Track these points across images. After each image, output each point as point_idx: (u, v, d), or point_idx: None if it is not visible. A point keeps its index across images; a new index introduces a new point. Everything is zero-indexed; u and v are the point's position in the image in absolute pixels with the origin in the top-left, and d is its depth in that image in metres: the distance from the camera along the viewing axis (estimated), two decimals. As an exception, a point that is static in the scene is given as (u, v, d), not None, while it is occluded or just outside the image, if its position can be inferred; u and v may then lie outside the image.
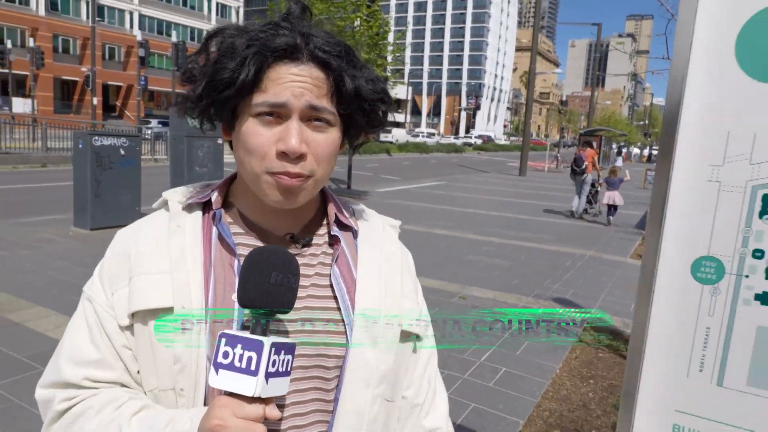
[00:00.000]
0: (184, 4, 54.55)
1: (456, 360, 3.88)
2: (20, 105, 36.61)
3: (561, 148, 43.02)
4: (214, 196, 0.84)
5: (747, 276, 0.96)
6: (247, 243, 0.83)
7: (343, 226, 0.89)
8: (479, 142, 68.31)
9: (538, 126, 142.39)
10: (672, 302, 1.01)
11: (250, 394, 0.64)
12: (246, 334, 0.66)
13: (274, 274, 0.69)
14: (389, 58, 15.57)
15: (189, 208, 0.84)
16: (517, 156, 29.78)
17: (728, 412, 0.99)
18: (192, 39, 52.97)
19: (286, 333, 0.78)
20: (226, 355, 0.65)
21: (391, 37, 16.03)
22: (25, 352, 3.75)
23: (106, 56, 47.45)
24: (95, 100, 30.47)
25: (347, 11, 12.43)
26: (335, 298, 0.83)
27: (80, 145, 7.90)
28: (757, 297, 0.95)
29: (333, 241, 0.87)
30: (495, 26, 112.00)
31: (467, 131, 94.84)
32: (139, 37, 24.05)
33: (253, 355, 0.64)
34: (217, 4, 57.41)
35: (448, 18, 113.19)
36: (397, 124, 72.03)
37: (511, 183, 21.06)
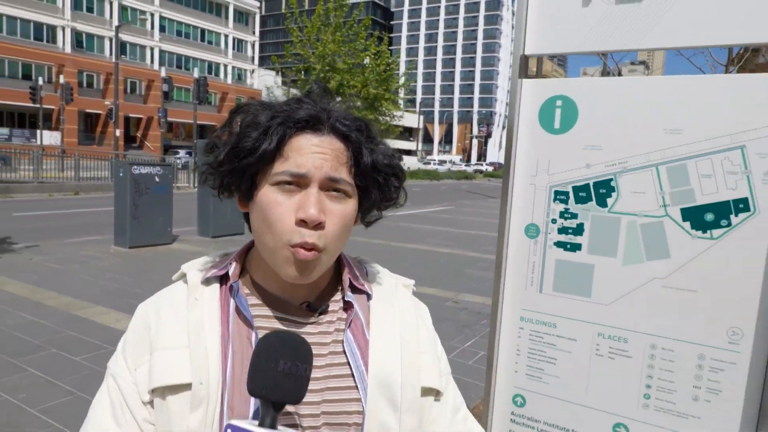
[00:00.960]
0: (202, 39, 56.98)
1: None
2: (47, 137, 38.48)
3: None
4: (232, 269, 0.84)
5: (549, 233, 1.83)
6: (264, 314, 0.83)
7: (357, 290, 0.89)
8: (490, 168, 69.38)
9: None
10: (515, 248, 1.89)
11: None
12: (253, 426, 0.65)
13: (282, 362, 0.67)
14: (401, 92, 16.64)
15: (207, 281, 0.84)
16: None
17: (546, 306, 1.85)
18: (209, 72, 55.22)
19: (297, 426, 0.77)
20: None
21: (402, 67, 17.20)
22: (97, 337, 4.69)
23: (128, 90, 49.59)
24: (118, 132, 32.12)
25: (357, 50, 13.55)
26: (349, 364, 0.82)
27: (120, 173, 8.96)
28: (555, 244, 1.83)
29: (347, 306, 0.86)
30: (505, 55, 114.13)
31: (479, 159, 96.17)
32: (163, 73, 25.58)
33: None
34: (234, 39, 59.83)
35: (458, 48, 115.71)
36: (408, 152, 73.36)
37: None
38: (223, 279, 0.85)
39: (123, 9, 49.39)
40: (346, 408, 0.79)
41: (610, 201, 1.74)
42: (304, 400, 0.70)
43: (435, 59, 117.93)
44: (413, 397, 0.83)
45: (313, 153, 0.76)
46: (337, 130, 0.79)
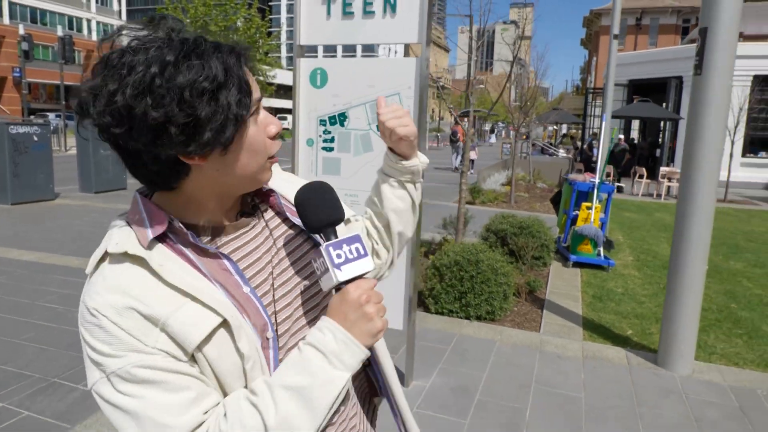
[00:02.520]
0: (60, -9, 52.00)
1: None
2: None
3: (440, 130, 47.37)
4: (166, 226, 0.81)
5: (319, 143, 3.36)
6: (219, 243, 0.87)
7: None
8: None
9: (432, 109, 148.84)
10: (302, 153, 3.40)
11: (371, 268, 0.85)
12: (338, 239, 0.86)
13: (327, 195, 0.91)
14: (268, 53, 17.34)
15: (149, 246, 0.80)
16: None
17: (320, 184, 3.40)
18: (71, 28, 50.84)
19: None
20: (339, 256, 0.83)
21: (284, 35, 17.99)
22: (7, 266, 5.63)
23: (-27, 47, 44.48)
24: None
25: (228, 13, 14.27)
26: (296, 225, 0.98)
27: (-3, 134, 9.31)
28: (321, 148, 3.35)
29: (270, 194, 0.97)
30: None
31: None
32: (21, 31, 23.88)
33: (358, 245, 0.85)
34: (96, -9, 55.22)
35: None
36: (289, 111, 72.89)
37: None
38: (159, 239, 0.81)
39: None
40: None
41: (346, 123, 3.29)
42: (281, 292, 0.89)
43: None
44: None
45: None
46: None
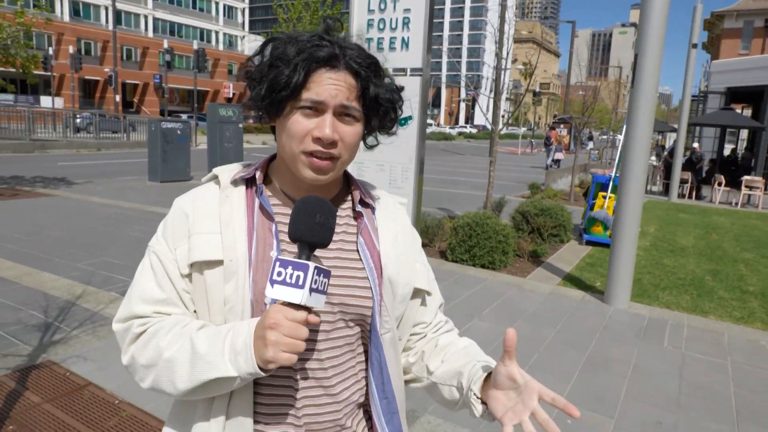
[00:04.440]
0: (194, 7, 58.91)
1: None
2: (49, 102, 41.04)
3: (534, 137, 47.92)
4: (258, 174, 1.02)
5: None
6: (283, 212, 1.01)
7: (365, 204, 1.08)
8: (474, 131, 72.43)
9: (539, 116, 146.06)
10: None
11: (297, 302, 0.82)
12: (295, 259, 0.84)
13: (318, 215, 0.88)
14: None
15: (235, 183, 1.02)
16: (504, 143, 34.08)
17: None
18: (202, 39, 57.40)
19: (318, 314, 0.91)
20: (279, 274, 0.83)
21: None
22: (156, 219, 8.11)
23: (124, 57, 51.89)
24: (117, 97, 34.82)
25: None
26: (360, 260, 1.02)
27: (153, 128, 12.22)
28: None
29: (356, 215, 1.06)
30: (493, 18, 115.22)
31: (466, 122, 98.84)
32: (165, 45, 28.35)
33: (301, 274, 0.83)
34: (225, 6, 61.69)
35: (447, 12, 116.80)
36: (395, 116, 75.42)
37: (474, 163, 25.27)
38: (248, 182, 1.03)
39: (116, -23, 51.20)
40: (360, 294, 1.00)
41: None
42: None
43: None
44: (406, 292, 1.06)
45: (330, 85, 0.92)
46: (350, 68, 0.94)
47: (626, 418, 3.24)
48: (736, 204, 15.02)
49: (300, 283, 0.82)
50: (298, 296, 0.82)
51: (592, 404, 3.38)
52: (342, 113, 0.94)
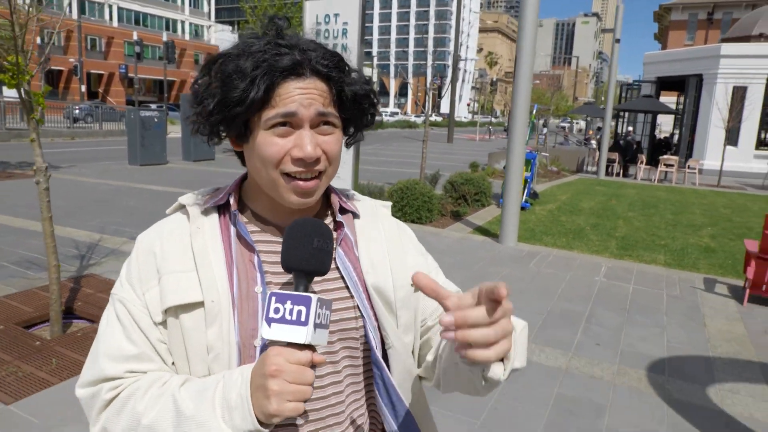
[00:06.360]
0: (159, -4, 59.02)
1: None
2: (11, 92, 41.01)
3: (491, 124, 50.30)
4: (231, 200, 0.90)
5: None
6: (263, 239, 0.89)
7: (344, 210, 0.97)
8: (439, 119, 74.43)
9: (504, 104, 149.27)
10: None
11: (302, 341, 0.70)
12: (293, 292, 0.73)
13: (316, 240, 0.77)
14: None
15: (206, 211, 0.90)
16: (466, 131, 35.85)
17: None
18: (167, 29, 57.57)
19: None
20: (276, 311, 0.71)
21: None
22: (137, 195, 9.57)
23: (89, 47, 51.84)
24: (83, 88, 35.17)
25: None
26: (342, 278, 0.90)
27: (132, 116, 13.54)
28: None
29: (337, 226, 0.94)
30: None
31: (433, 110, 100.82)
32: (135, 36, 29.16)
33: (303, 308, 0.71)
34: (190, -5, 61.85)
35: (413, 2, 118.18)
36: (362, 105, 76.71)
37: (431, 148, 27.04)
38: (220, 209, 0.90)
39: (79, -33, 51.02)
40: (347, 316, 0.88)
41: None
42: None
43: (390, 13, 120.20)
44: (404, 295, 0.93)
45: (300, 95, 0.80)
46: (318, 72, 0.82)
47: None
48: (655, 180, 17.18)
49: (302, 319, 0.71)
50: (302, 335, 0.71)
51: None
52: (319, 123, 0.83)
